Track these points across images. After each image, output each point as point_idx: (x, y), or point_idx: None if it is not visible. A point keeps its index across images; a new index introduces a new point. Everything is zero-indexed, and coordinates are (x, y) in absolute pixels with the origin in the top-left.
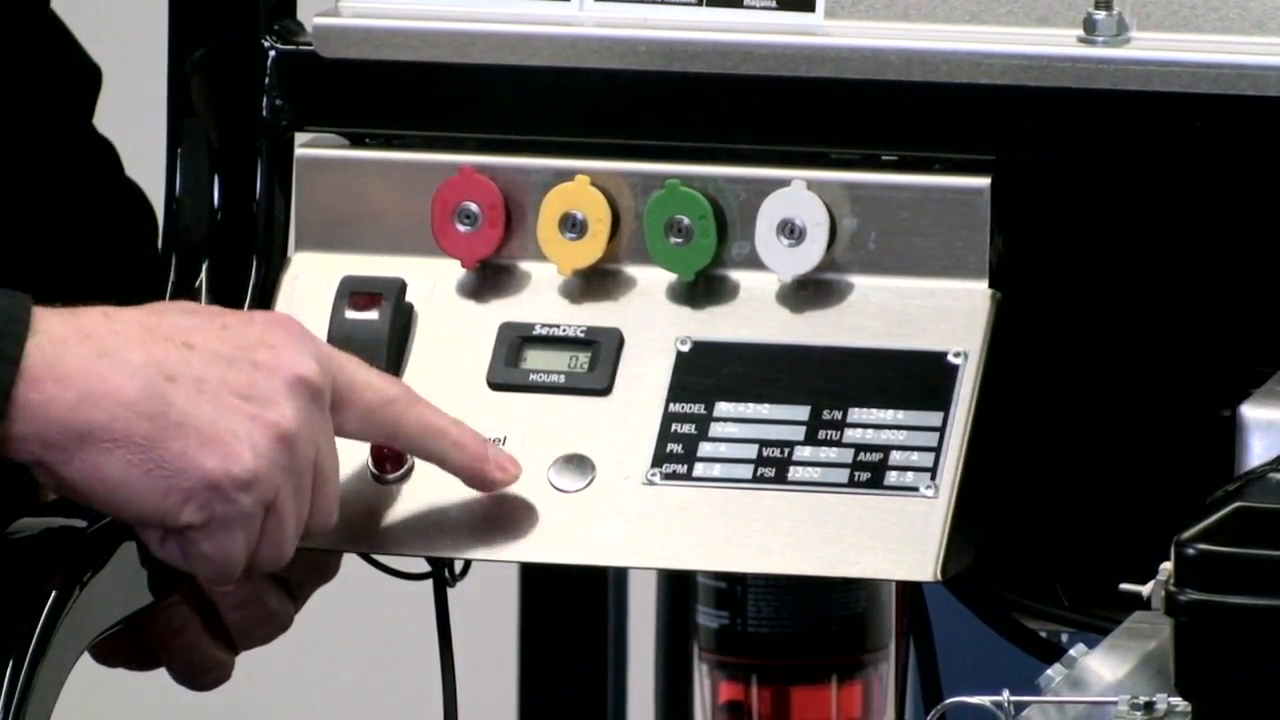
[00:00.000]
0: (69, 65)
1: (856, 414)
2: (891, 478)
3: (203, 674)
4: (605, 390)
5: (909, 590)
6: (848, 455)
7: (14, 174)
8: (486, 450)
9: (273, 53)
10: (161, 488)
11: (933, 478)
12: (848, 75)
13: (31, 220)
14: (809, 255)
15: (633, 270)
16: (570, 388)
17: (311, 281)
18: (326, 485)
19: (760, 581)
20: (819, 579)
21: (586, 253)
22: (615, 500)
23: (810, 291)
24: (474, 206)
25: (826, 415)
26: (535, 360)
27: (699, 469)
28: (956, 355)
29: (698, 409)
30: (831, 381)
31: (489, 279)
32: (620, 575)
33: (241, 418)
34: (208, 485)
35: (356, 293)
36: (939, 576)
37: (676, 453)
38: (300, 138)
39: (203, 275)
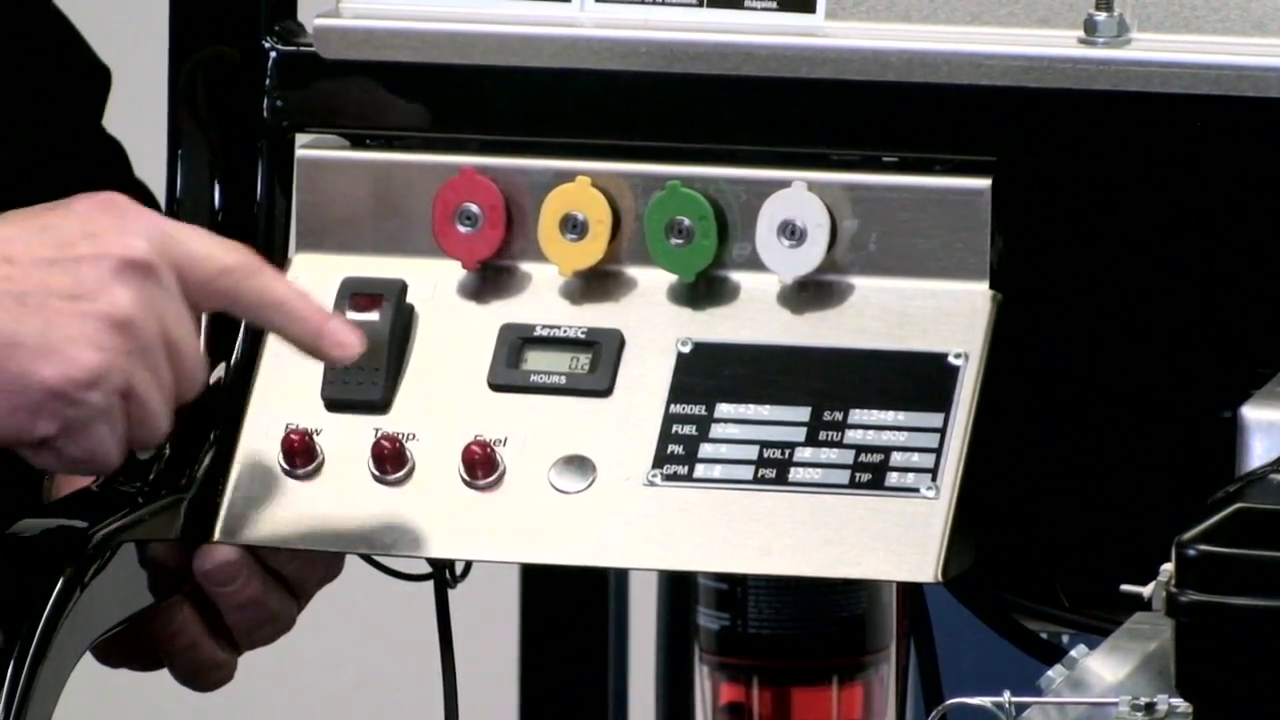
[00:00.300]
0: (78, 66)
1: (857, 415)
2: (892, 479)
3: (204, 674)
4: (606, 391)
5: (910, 591)
6: (848, 456)
7: (24, 175)
8: (325, 325)
9: (273, 54)
10: (7, 408)
11: (933, 479)
12: (848, 76)
13: None
14: (810, 256)
15: (633, 271)
16: (571, 389)
17: (312, 282)
18: (183, 352)
19: (761, 583)
20: (820, 580)
21: (587, 254)
22: (616, 501)
23: (811, 293)
24: (475, 207)
25: (827, 416)
26: (536, 361)
27: (700, 470)
28: (957, 356)
29: (698, 410)
30: (832, 383)
31: (490, 280)
32: (621, 576)
33: (72, 319)
34: (51, 395)
35: (357, 294)
36: (939, 577)
37: (677, 454)
38: (301, 138)
39: None
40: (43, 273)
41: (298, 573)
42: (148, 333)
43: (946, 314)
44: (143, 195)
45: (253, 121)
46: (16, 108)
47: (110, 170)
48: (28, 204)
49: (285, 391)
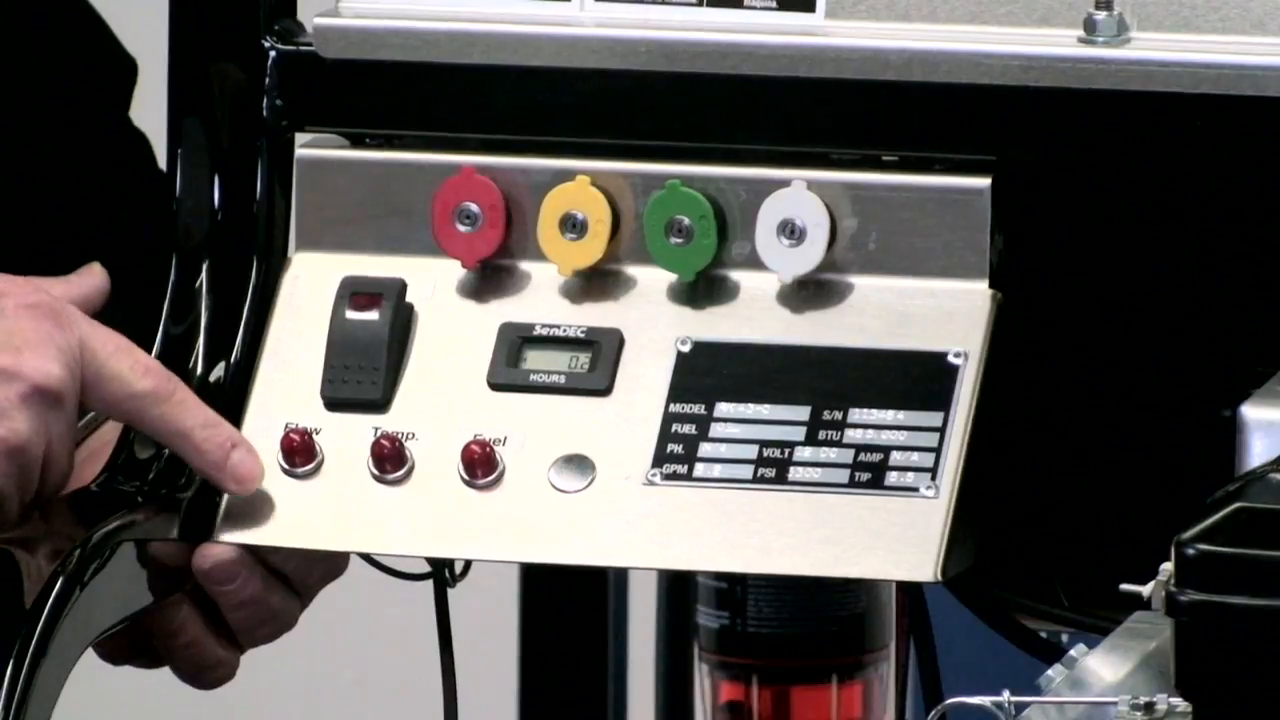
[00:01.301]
0: (105, 58)
1: (857, 414)
2: (892, 478)
3: (206, 672)
4: (605, 390)
5: (909, 590)
6: (848, 455)
7: (50, 165)
8: (227, 459)
9: (273, 53)
10: None
11: (933, 478)
12: (848, 75)
13: (66, 211)
14: (809, 255)
15: (633, 270)
16: (570, 388)
17: (312, 282)
18: (54, 469)
19: (760, 582)
20: (819, 579)
21: (587, 253)
22: (615, 500)
23: (811, 292)
24: (474, 207)
25: (827, 415)
26: (535, 360)
27: (699, 469)
28: (957, 355)
29: (698, 409)
30: (832, 382)
31: (489, 279)
32: (620, 575)
33: None
34: None
35: (357, 293)
36: (939, 577)
37: (677, 453)
38: (300, 138)
39: (203, 275)
40: None
41: (299, 571)
42: (33, 457)
43: (946, 313)
44: (159, 189)
45: (252, 120)
46: (45, 98)
47: (136, 162)
48: (53, 196)
49: (285, 391)
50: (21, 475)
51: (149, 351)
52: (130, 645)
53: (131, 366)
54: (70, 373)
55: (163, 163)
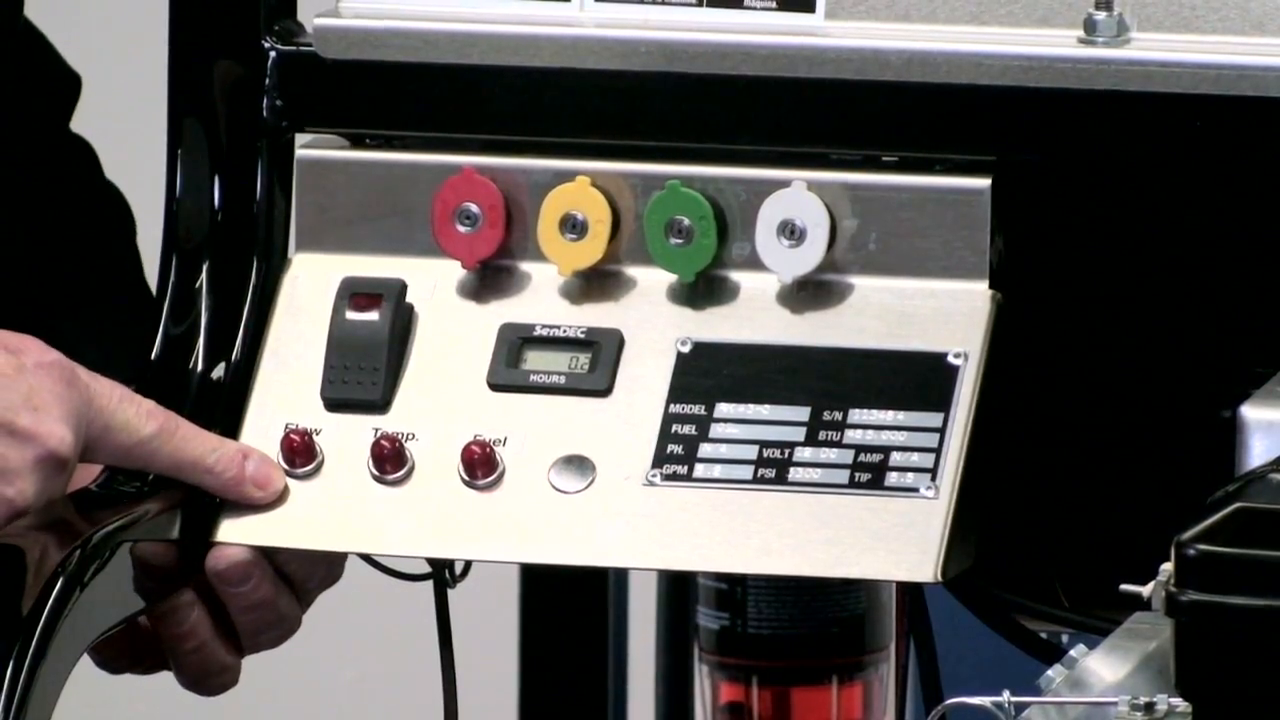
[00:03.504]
0: (46, 72)
1: (857, 415)
2: (892, 478)
3: (211, 677)
4: (606, 391)
5: (909, 591)
6: (848, 456)
7: None
8: (244, 472)
9: (273, 53)
10: None
11: (933, 479)
12: (848, 76)
13: (7, 221)
14: (809, 256)
15: (633, 271)
16: (570, 388)
17: (312, 282)
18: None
19: (761, 582)
20: (819, 580)
21: (587, 253)
22: (616, 501)
23: (810, 292)
24: (474, 207)
25: (827, 416)
26: (535, 361)
27: (699, 470)
28: (957, 356)
29: (698, 410)
30: (832, 382)
31: (489, 280)
32: (620, 576)
33: None
34: None
35: (357, 293)
36: (939, 577)
37: (677, 453)
38: (300, 138)
39: (203, 276)
40: None
41: (301, 573)
42: (29, 513)
43: (946, 314)
44: (110, 196)
45: (252, 121)
46: None
47: (77, 171)
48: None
49: (285, 391)
50: (12, 525)
51: (148, 356)
52: (130, 652)
53: (136, 413)
54: (78, 437)
55: (162, 163)
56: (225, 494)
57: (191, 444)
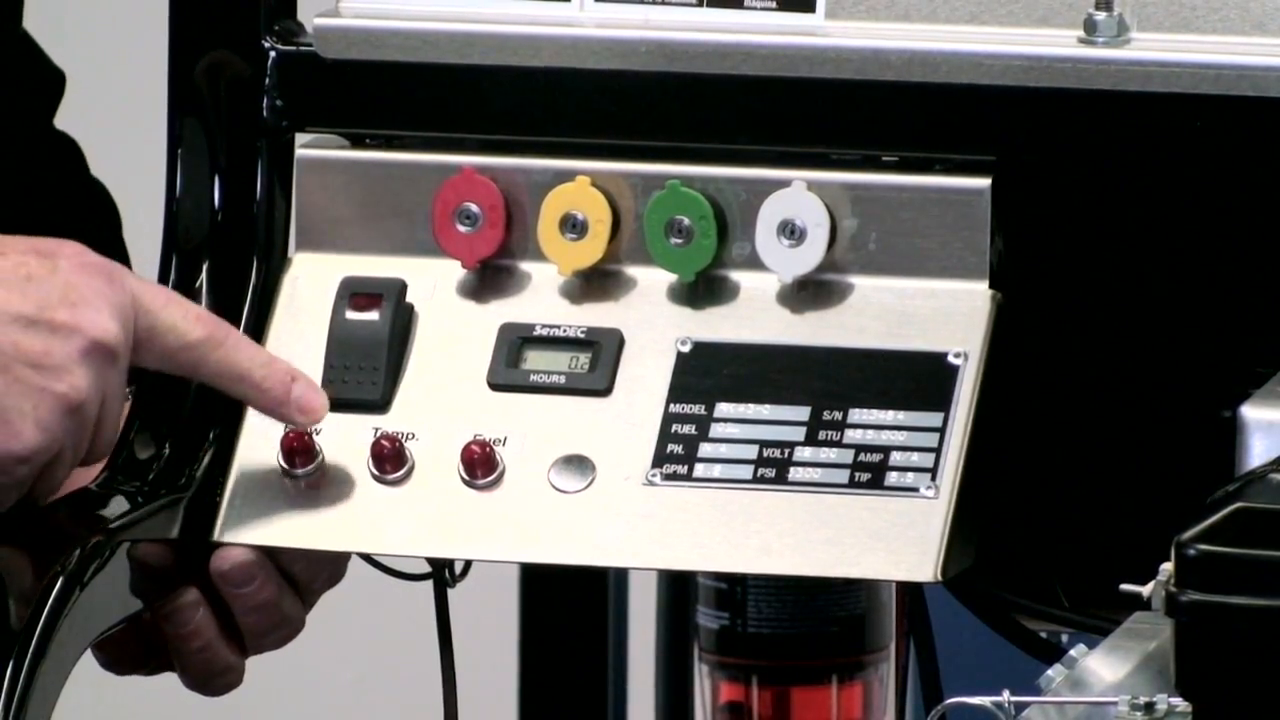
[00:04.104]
0: (31, 70)
1: (857, 415)
2: (892, 478)
3: (216, 677)
4: (605, 391)
5: (909, 591)
6: (848, 456)
7: None
8: (290, 393)
9: (273, 53)
10: None
11: (933, 478)
12: (848, 76)
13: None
14: (809, 256)
15: (633, 271)
16: (570, 388)
17: (312, 282)
18: (107, 426)
19: (760, 582)
20: (819, 579)
21: (587, 253)
22: (615, 501)
23: (810, 292)
24: (474, 207)
25: (827, 416)
26: (535, 361)
27: (699, 469)
28: (957, 356)
29: (698, 409)
30: (832, 382)
31: (489, 279)
32: (620, 576)
33: (29, 391)
34: None
35: (357, 293)
36: (939, 577)
37: (677, 453)
38: (300, 138)
39: (203, 276)
40: (16, 333)
41: (305, 574)
42: (90, 415)
43: (946, 313)
44: (95, 192)
45: (252, 121)
46: None
47: (61, 167)
48: None
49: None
50: (78, 432)
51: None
52: (135, 653)
53: (184, 316)
54: (125, 329)
55: (162, 163)
56: (268, 411)
57: (240, 354)
